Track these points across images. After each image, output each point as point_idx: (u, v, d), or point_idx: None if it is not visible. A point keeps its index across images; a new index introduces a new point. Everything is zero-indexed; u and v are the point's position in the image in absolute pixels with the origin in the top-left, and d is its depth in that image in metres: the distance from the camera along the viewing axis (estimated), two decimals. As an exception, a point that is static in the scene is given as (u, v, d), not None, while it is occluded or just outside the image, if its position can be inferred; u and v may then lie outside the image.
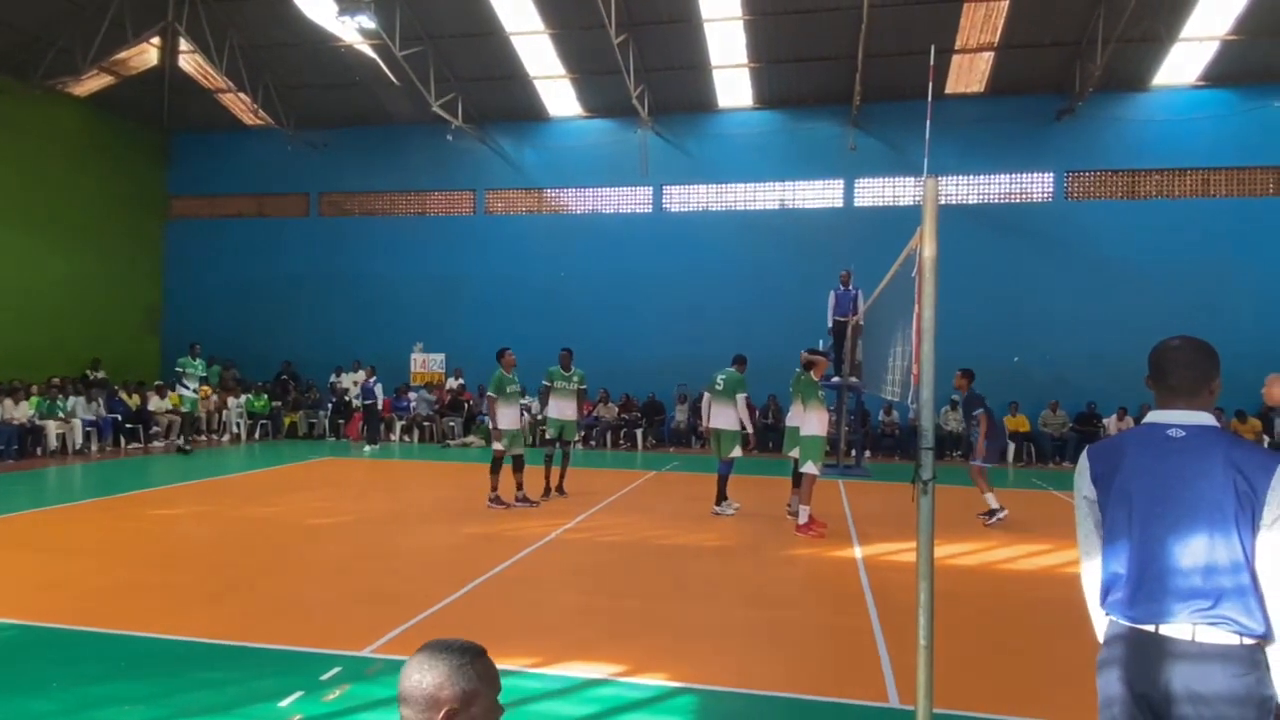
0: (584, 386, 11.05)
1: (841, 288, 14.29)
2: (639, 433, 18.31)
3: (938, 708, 3.31)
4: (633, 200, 20.46)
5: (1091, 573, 2.30)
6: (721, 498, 9.91)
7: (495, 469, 9.91)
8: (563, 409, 10.68)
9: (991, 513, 9.59)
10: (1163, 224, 17.46)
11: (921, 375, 3.61)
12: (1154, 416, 2.27)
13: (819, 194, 19.48)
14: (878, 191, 19.04)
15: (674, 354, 18.96)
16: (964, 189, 18.65)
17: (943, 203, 18.23)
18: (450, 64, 18.87)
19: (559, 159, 20.56)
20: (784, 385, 9.99)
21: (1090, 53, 16.10)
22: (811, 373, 9.20)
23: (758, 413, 16.58)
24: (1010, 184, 18.53)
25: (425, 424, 19.10)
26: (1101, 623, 2.27)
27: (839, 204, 19.28)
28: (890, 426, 17.83)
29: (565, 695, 4.28)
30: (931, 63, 6.31)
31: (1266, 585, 2.03)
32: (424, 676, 1.55)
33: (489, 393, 10.06)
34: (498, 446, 9.85)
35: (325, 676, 4.38)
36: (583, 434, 17.60)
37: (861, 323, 13.51)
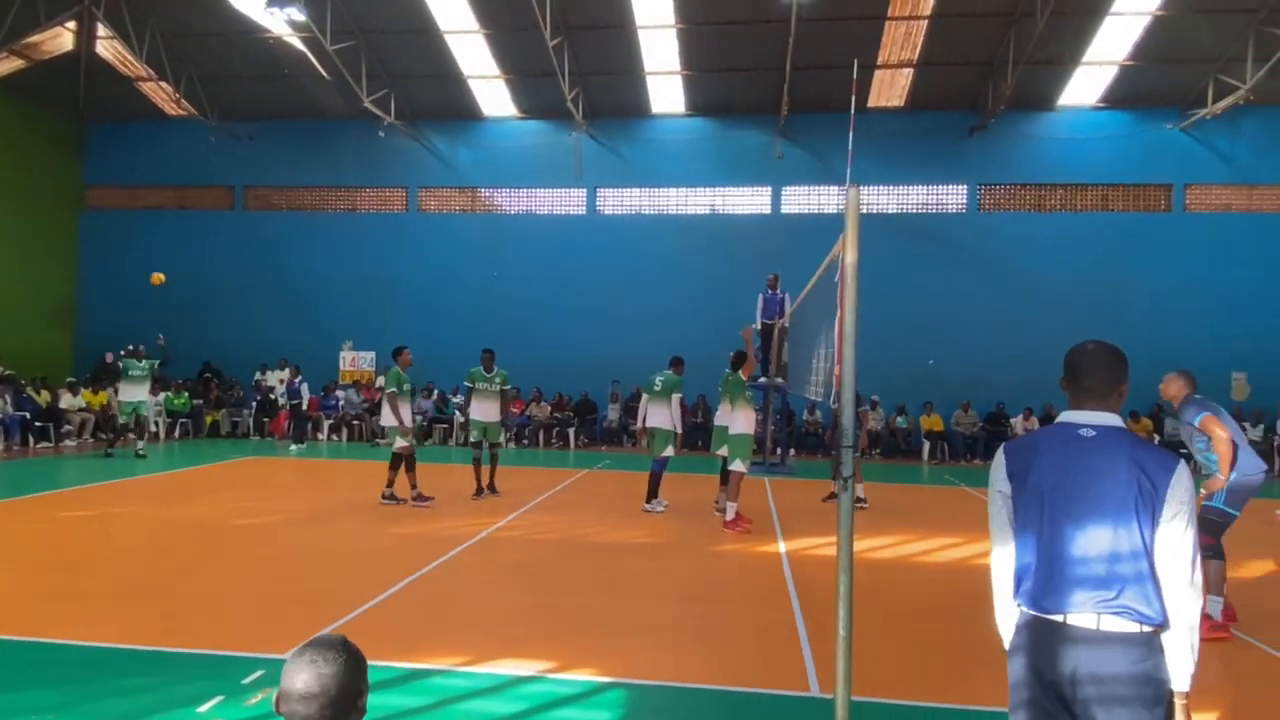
0: (508, 387, 10.94)
1: (769, 291, 14.68)
2: (571, 431, 18.41)
3: (856, 695, 3.51)
4: (567, 202, 20.55)
5: (1002, 565, 2.37)
6: (652, 495, 10.12)
7: (395, 466, 9.93)
8: (485, 410, 10.57)
9: (832, 495, 10.19)
10: (1066, 235, 18.54)
11: (843, 376, 3.83)
12: (1066, 416, 2.36)
13: (748, 200, 19.95)
14: (804, 199, 19.62)
15: (607, 354, 19.13)
16: (884, 198, 19.40)
17: (864, 211, 18.72)
18: (383, 60, 18.61)
19: (493, 159, 20.50)
20: (714, 385, 10.26)
21: (1001, 73, 16.99)
22: (740, 372, 9.44)
23: (688, 413, 16.85)
24: (927, 195, 19.38)
25: (354, 423, 18.78)
26: (1007, 612, 2.36)
27: (767, 210, 19.80)
28: (814, 425, 18.39)
29: (493, 693, 4.33)
30: (855, 76, 6.65)
31: (1164, 576, 2.16)
32: (314, 674, 1.60)
33: (389, 390, 9.97)
34: (403, 444, 9.84)
35: (247, 680, 4.32)
36: (511, 434, 17.61)
37: (787, 325, 13.92)
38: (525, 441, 18.36)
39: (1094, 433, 2.28)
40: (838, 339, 4.76)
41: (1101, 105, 18.53)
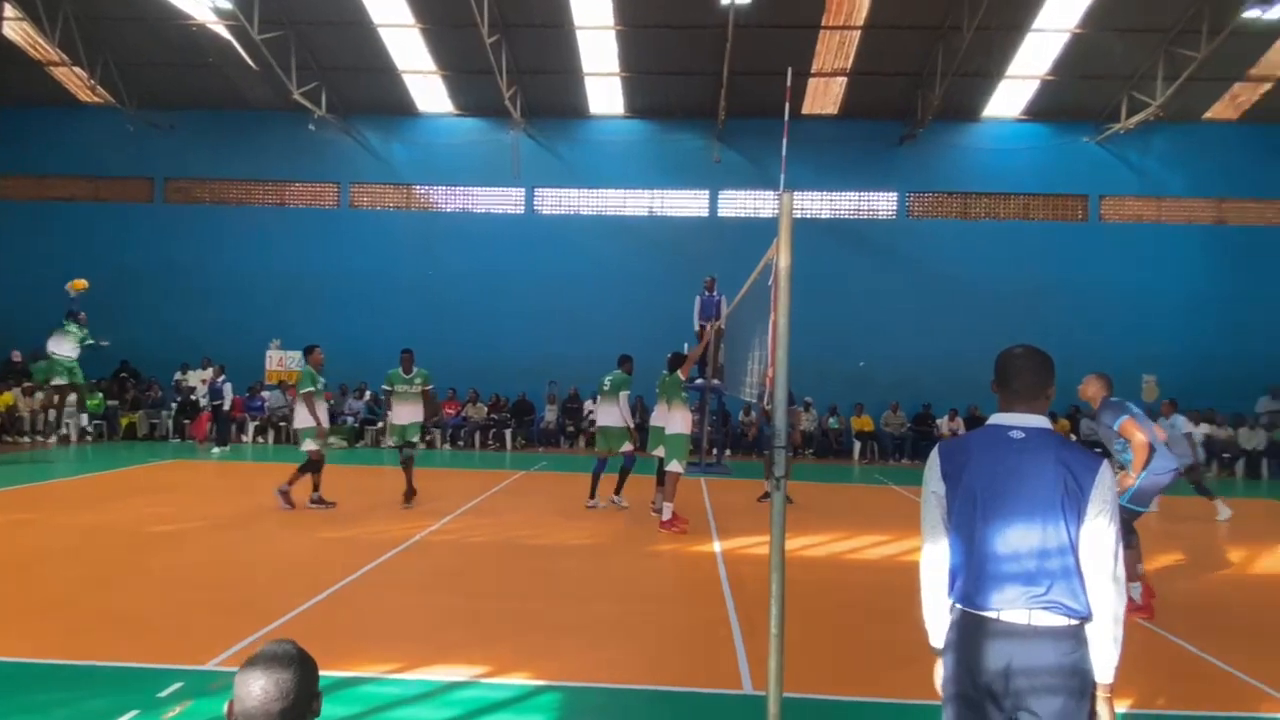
0: (429, 388, 10.46)
1: (707, 293, 14.83)
2: (508, 433, 18.24)
3: (788, 692, 3.57)
4: (504, 200, 20.37)
5: (933, 562, 2.42)
6: (593, 490, 10.31)
7: (310, 469, 9.62)
8: (405, 413, 10.20)
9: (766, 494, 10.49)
10: (990, 243, 19.24)
11: (776, 377, 3.89)
12: (997, 419, 2.43)
13: (686, 203, 20.11)
14: (741, 203, 19.88)
15: (545, 354, 19.03)
16: (818, 204, 19.81)
17: (798, 216, 19.26)
18: (313, 51, 18.12)
19: (429, 155, 20.17)
20: (652, 386, 10.30)
21: (930, 84, 17.53)
22: (678, 373, 9.47)
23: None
24: (860, 201, 19.88)
25: (281, 424, 18.21)
26: (936, 609, 2.42)
27: (705, 213, 19.99)
28: (749, 426, 18.63)
29: (425, 700, 4.26)
30: (789, 84, 6.75)
31: (1088, 571, 2.24)
32: (270, 681, 1.58)
33: (305, 390, 9.60)
34: (312, 446, 9.58)
35: (164, 693, 4.14)
36: (438, 436, 17.36)
37: (724, 327, 14.08)
38: (461, 443, 18.11)
39: (1024, 434, 2.35)
40: (771, 341, 4.84)
41: (1024, 118, 19.30)
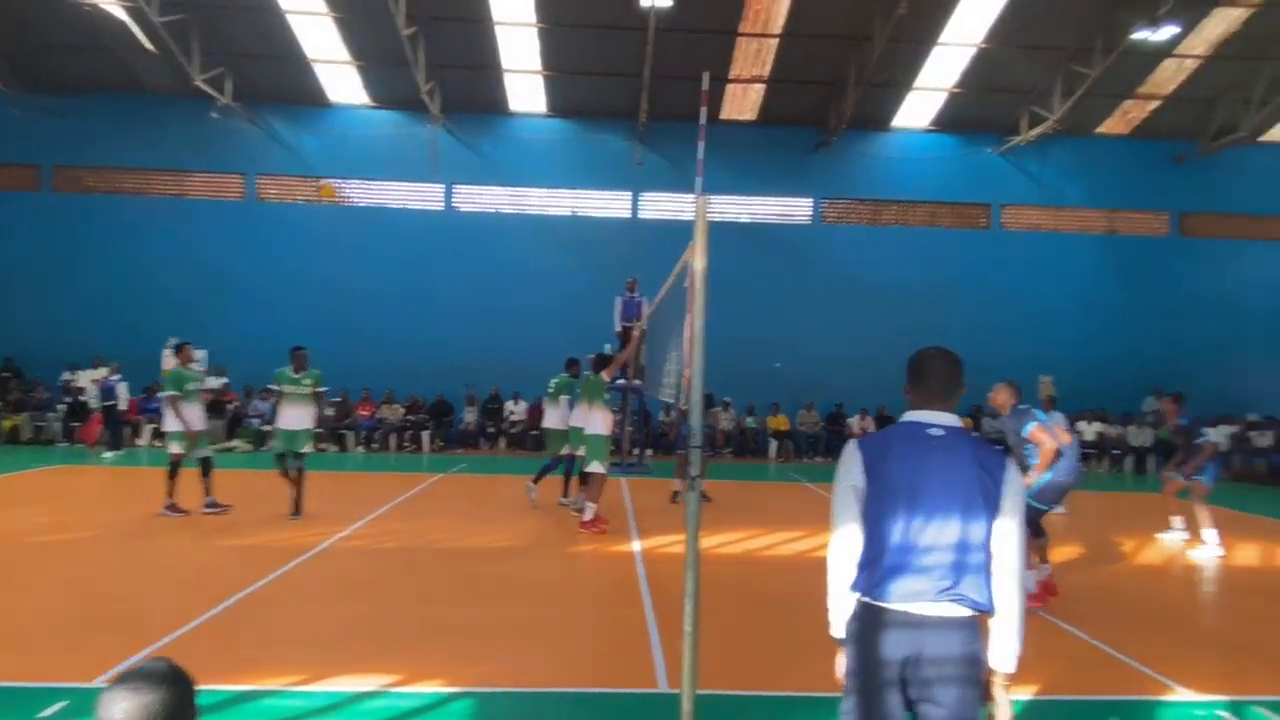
0: (321, 389, 9.52)
1: (628, 294, 14.87)
2: (425, 434, 17.85)
3: (702, 689, 3.61)
4: (422, 197, 19.94)
5: (844, 556, 2.44)
6: (565, 493, 10.43)
7: (174, 473, 9.10)
8: (293, 417, 9.18)
9: (675, 494, 10.95)
10: (899, 248, 19.94)
11: (692, 378, 3.94)
12: (915, 416, 2.50)
13: (608, 204, 20.12)
14: (663, 205, 20.01)
15: (465, 354, 18.71)
16: (736, 208, 20.14)
17: (717, 219, 19.55)
18: (218, 36, 17.32)
19: (342, 148, 19.55)
20: (573, 385, 10.24)
21: (843, 93, 18.04)
22: (602, 374, 9.40)
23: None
24: (776, 206, 20.30)
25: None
26: (842, 599, 2.44)
27: (627, 215, 20.04)
28: (670, 426, 18.76)
29: (332, 712, 4.13)
30: (705, 88, 6.84)
31: (996, 566, 2.34)
32: (135, 702, 1.51)
33: (168, 391, 9.09)
34: (176, 449, 9.11)
35: (46, 712, 3.94)
36: (318, 447, 16.48)
37: (645, 328, 14.15)
38: (375, 445, 17.62)
39: (942, 432, 2.43)
40: (687, 342, 4.88)
41: (931, 128, 20.06)
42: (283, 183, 19.78)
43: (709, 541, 8.01)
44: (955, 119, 19.65)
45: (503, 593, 6.58)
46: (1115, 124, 20.01)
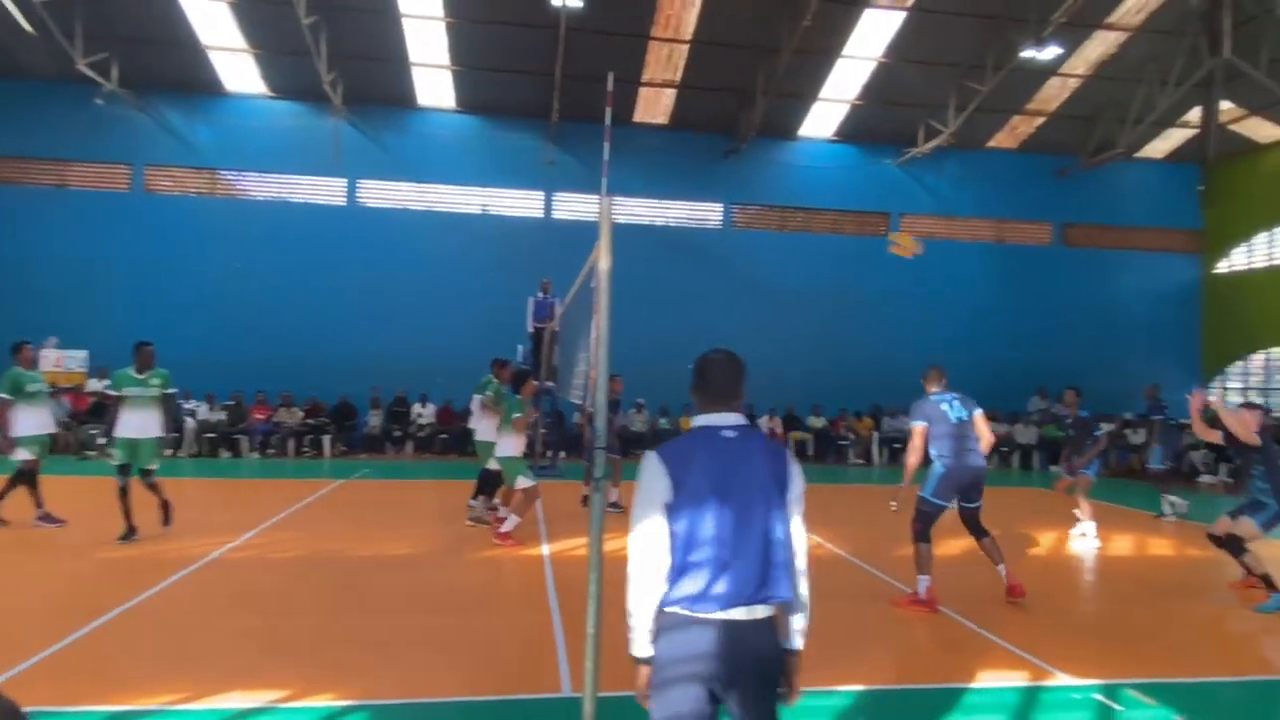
0: (171, 390, 8.55)
1: (541, 295, 14.73)
2: (326, 439, 17.22)
3: (604, 691, 3.58)
4: (324, 191, 19.25)
5: (651, 569, 2.37)
6: (479, 495, 9.68)
7: (26, 482, 8.55)
8: (137, 424, 8.13)
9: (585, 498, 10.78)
10: (804, 254, 20.49)
11: (598, 379, 3.91)
12: (707, 420, 2.51)
13: (520, 203, 19.90)
14: (575, 205, 19.94)
15: (370, 355, 18.15)
16: (650, 210, 20.27)
17: (629, 222, 19.64)
18: (103, 18, 16.24)
19: (239, 139, 18.67)
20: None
21: (752, 101, 18.40)
22: (520, 393, 8.69)
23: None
24: (688, 210, 20.53)
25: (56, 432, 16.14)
26: (648, 612, 2.38)
27: (540, 214, 19.87)
28: (583, 427, 18.68)
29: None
30: (610, 89, 6.80)
31: (796, 557, 2.45)
32: None
33: (2, 395, 8.31)
34: (26, 456, 8.45)
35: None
36: (171, 451, 15.00)
37: (557, 329, 14.05)
38: (272, 451, 16.86)
39: (735, 434, 2.48)
40: (594, 344, 4.85)
41: (835, 139, 20.70)
42: (173, 174, 18.74)
43: (617, 543, 8.00)
44: (857, 130, 20.34)
45: (403, 601, 6.39)
46: (1004, 138, 21.13)
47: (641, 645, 2.43)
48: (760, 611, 2.38)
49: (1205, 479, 16.77)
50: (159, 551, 7.62)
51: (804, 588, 2.48)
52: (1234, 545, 6.97)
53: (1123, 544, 9.71)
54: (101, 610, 5.65)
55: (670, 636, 2.37)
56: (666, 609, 2.37)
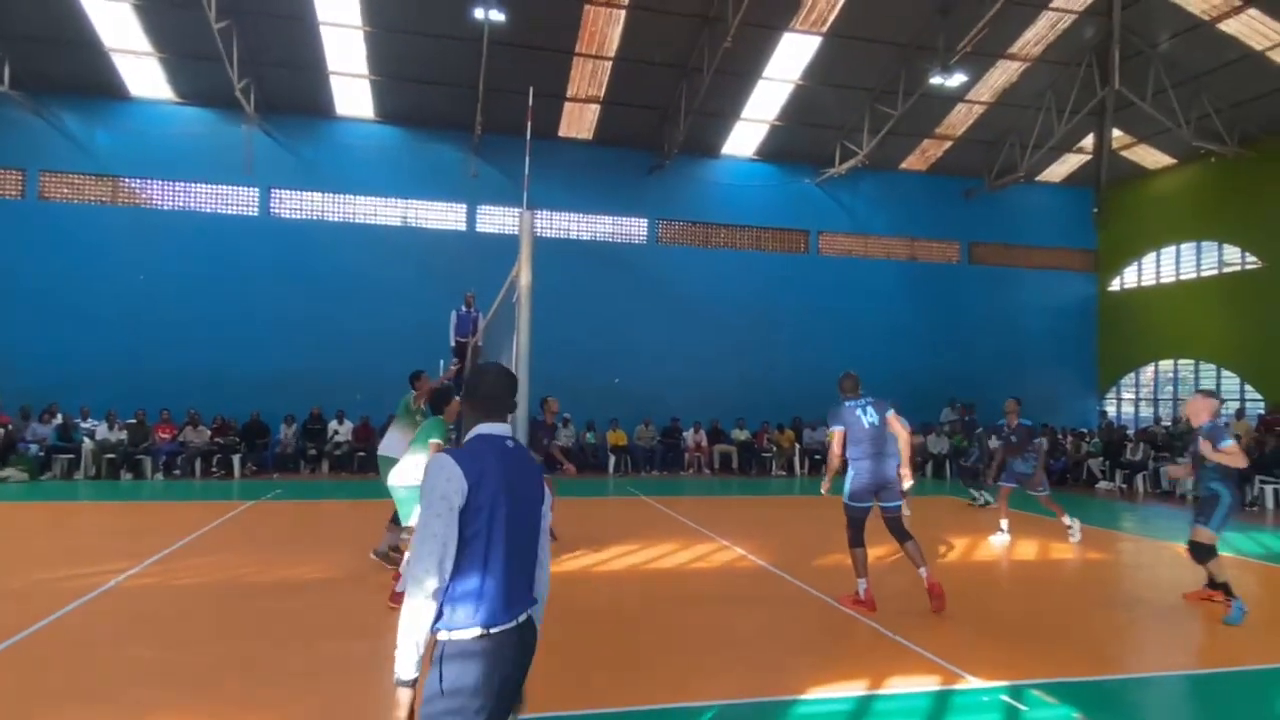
0: None
1: (465, 309, 14.51)
2: (236, 459, 16.51)
3: (526, 714, 3.51)
4: (235, 200, 18.57)
5: (435, 583, 2.27)
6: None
7: None
8: None
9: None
10: (728, 270, 20.84)
11: (518, 395, 3.86)
12: (487, 429, 2.55)
13: (443, 216, 19.63)
14: (499, 219, 19.78)
15: (285, 369, 17.56)
16: (574, 225, 20.27)
17: (554, 236, 19.60)
18: (-7, 14, 15.37)
19: (142, 145, 17.88)
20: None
21: (675, 119, 18.67)
22: (441, 417, 7.12)
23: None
24: (613, 225, 20.62)
25: (-67, 456, 15.02)
26: (424, 636, 2.28)
27: (463, 227, 19.63)
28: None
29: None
30: (530, 104, 6.82)
31: (543, 557, 2.64)
32: None
33: None
34: None
35: None
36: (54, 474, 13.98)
37: (480, 344, 13.86)
38: (178, 472, 16.07)
39: (513, 444, 2.56)
40: (515, 360, 4.81)
41: (756, 158, 21.17)
42: (71, 181, 17.78)
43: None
44: (778, 150, 20.86)
45: (313, 628, 6.16)
46: (915, 161, 22.01)
47: (409, 666, 2.29)
48: (530, 615, 2.52)
49: (1102, 485, 17.71)
50: (53, 580, 7.15)
51: (546, 585, 2.67)
52: (1201, 552, 6.83)
53: (1030, 548, 10.15)
54: (-19, 647, 5.26)
55: (464, 647, 2.31)
56: (470, 626, 2.31)
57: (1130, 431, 19.55)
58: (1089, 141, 21.52)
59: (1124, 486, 17.21)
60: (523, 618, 2.45)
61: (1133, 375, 22.79)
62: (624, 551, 9.23)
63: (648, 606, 6.93)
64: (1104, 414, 22.43)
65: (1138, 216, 22.35)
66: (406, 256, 18.85)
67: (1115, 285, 23.18)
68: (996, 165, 21.51)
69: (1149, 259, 22.25)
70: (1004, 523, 10.38)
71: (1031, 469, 10.32)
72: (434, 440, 7.25)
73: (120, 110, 17.82)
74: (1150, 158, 21.61)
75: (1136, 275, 22.62)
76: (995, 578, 8.73)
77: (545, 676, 4.87)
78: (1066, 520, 10.27)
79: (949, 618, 6.61)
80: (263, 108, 17.92)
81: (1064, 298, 23.23)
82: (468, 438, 2.57)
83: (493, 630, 2.33)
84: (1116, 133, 20.96)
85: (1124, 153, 21.64)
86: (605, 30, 16.73)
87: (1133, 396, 22.86)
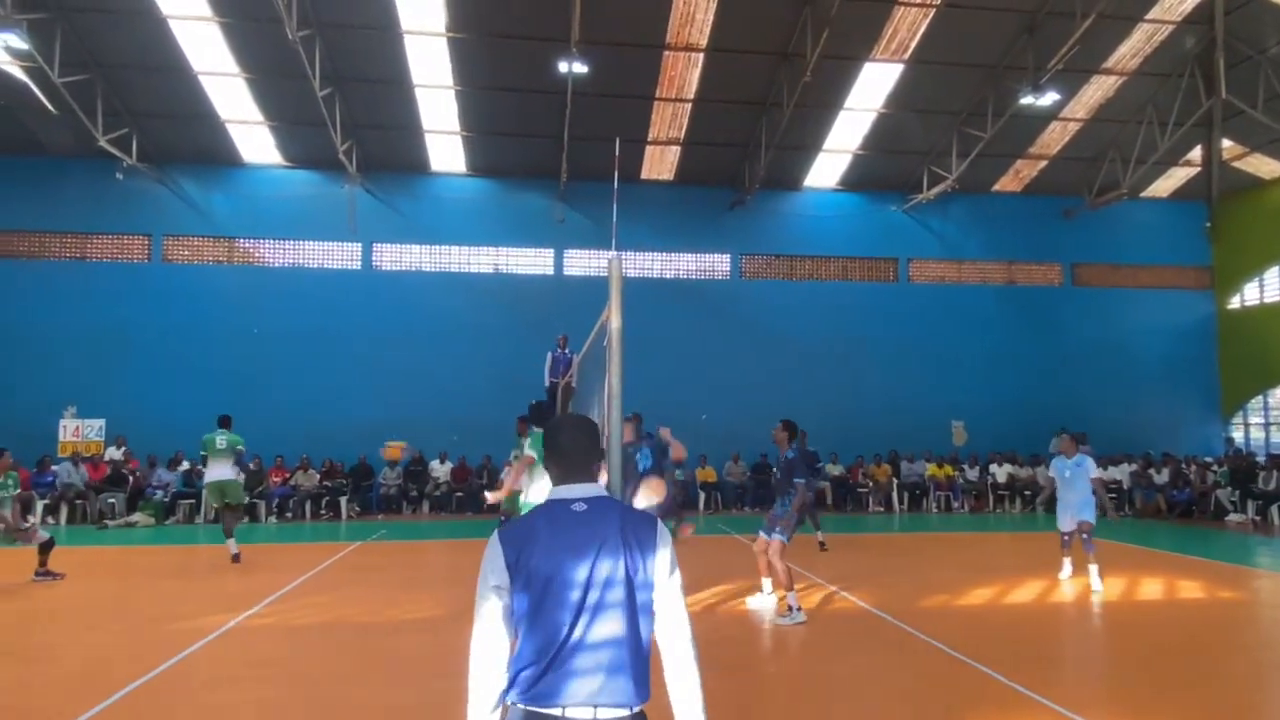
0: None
1: (559, 350, 14.84)
2: (343, 500, 17.20)
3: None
4: (339, 256, 19.61)
5: (490, 662, 2.21)
6: None
7: None
8: None
9: None
10: (814, 302, 20.59)
11: (611, 435, 3.91)
12: (559, 492, 2.33)
13: (531, 261, 20.18)
14: (585, 262, 20.19)
15: (386, 415, 18.25)
16: (657, 264, 20.48)
17: (637, 276, 19.85)
18: (123, 96, 16.91)
19: (254, 208, 19.16)
20: (501, 446, 9.99)
21: (756, 155, 18.74)
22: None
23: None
24: (696, 262, 20.73)
25: (77, 502, 16.24)
26: (485, 707, 2.20)
27: (550, 272, 20.13)
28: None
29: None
30: (617, 152, 7.02)
31: (668, 641, 2.22)
32: None
33: None
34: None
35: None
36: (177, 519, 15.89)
37: (574, 384, 14.10)
38: (290, 515, 16.86)
39: (585, 506, 2.27)
40: (606, 402, 4.88)
41: (840, 188, 20.97)
42: (191, 243, 19.18)
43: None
44: (862, 179, 20.61)
45: (425, 667, 6.31)
46: (1009, 182, 21.33)
47: None
48: (606, 713, 2.15)
49: (1233, 518, 16.44)
50: (178, 621, 7.59)
51: (688, 676, 2.22)
52: None
53: (1152, 586, 9.48)
54: (117, 685, 5.61)
55: None
56: (516, 703, 2.19)
57: (1261, 459, 18.13)
58: (1197, 154, 20.42)
59: (1258, 519, 15.93)
60: (580, 712, 2.13)
61: (1260, 398, 21.19)
62: (718, 593, 9.11)
63: (744, 650, 6.80)
64: (1230, 440, 20.90)
65: (1256, 229, 20.97)
66: (497, 302, 19.44)
67: (1235, 303, 21.72)
68: (1097, 182, 20.62)
69: (1271, 273, 20.80)
70: None
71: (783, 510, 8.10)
72: (529, 453, 7.65)
73: (234, 176, 19.18)
74: (1265, 167, 20.32)
75: (1259, 291, 21.15)
76: (1123, 620, 8.20)
77: None
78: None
79: (1066, 660, 6.24)
80: (364, 167, 18.96)
81: (1178, 318, 21.89)
82: (545, 499, 2.39)
83: (532, 708, 2.15)
84: (1226, 143, 19.83)
85: (1235, 163, 20.43)
86: (684, 74, 17.02)
87: (1261, 420, 21.23)
